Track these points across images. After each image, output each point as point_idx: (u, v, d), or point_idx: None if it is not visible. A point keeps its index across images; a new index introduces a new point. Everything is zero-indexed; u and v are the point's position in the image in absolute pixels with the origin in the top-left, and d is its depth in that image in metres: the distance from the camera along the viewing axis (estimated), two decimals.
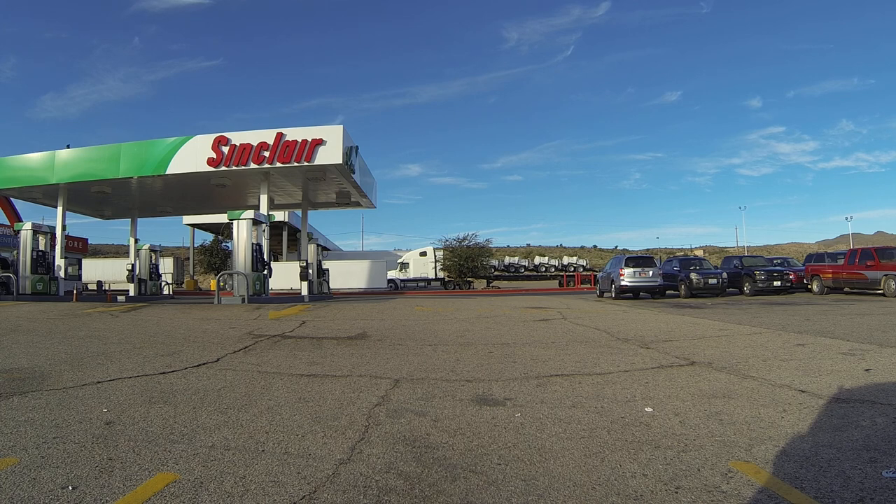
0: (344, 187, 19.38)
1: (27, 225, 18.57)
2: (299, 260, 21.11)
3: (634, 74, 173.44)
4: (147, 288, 22.43)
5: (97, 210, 23.25)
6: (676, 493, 2.21)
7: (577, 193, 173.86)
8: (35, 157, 18.02)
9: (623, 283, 16.85)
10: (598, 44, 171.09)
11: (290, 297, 18.43)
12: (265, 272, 16.27)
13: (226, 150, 16.10)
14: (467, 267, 36.00)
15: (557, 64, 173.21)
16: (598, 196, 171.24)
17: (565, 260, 45.79)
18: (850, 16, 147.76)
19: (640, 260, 17.98)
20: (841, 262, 16.75)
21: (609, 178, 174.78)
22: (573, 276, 39.95)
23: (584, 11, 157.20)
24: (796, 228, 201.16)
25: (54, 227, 19.33)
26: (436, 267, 36.40)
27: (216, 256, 36.50)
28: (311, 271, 19.75)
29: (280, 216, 30.37)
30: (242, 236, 15.70)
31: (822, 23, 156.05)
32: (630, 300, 16.29)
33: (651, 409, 3.50)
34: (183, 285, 35.37)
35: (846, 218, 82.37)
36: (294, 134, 15.94)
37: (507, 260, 44.40)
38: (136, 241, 23.39)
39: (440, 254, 36.87)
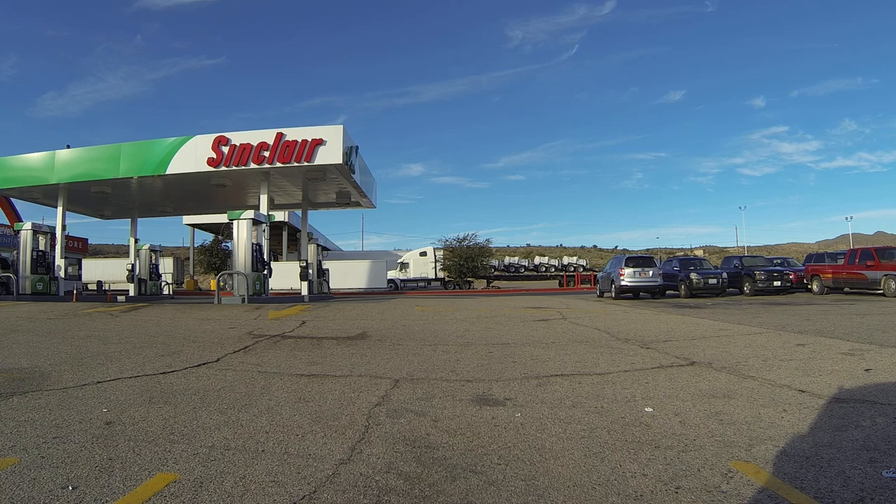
0: (344, 187, 19.38)
1: (27, 225, 18.57)
2: (299, 260, 21.11)
3: (639, 73, 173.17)
4: (147, 288, 22.42)
5: (97, 210, 23.24)
6: (676, 493, 2.21)
7: (579, 193, 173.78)
8: (35, 157, 18.02)
9: (623, 283, 16.85)
10: (602, 43, 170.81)
11: (290, 297, 18.43)
12: (265, 272, 16.27)
13: (226, 150, 16.10)
14: (467, 267, 35.98)
15: (562, 63, 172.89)
16: (599, 196, 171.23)
17: (565, 260, 45.73)
18: (855, 15, 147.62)
19: (640, 260, 17.97)
20: (841, 262, 16.75)
21: (611, 177, 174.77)
22: (573, 276, 39.95)
23: (589, 10, 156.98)
24: (797, 228, 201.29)
25: (54, 227, 19.32)
26: (436, 267, 36.39)
27: (216, 256, 36.49)
28: (311, 271, 19.75)
29: (280, 216, 30.39)
30: (242, 236, 15.70)
31: (827, 22, 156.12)
32: (630, 300, 16.29)
33: (651, 409, 3.50)
34: (183, 285, 35.37)
35: (846, 218, 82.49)
36: (294, 134, 15.94)
37: (507, 260, 44.34)
38: (136, 241, 23.39)
39: (440, 254, 36.87)
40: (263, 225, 16.37)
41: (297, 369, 5.13)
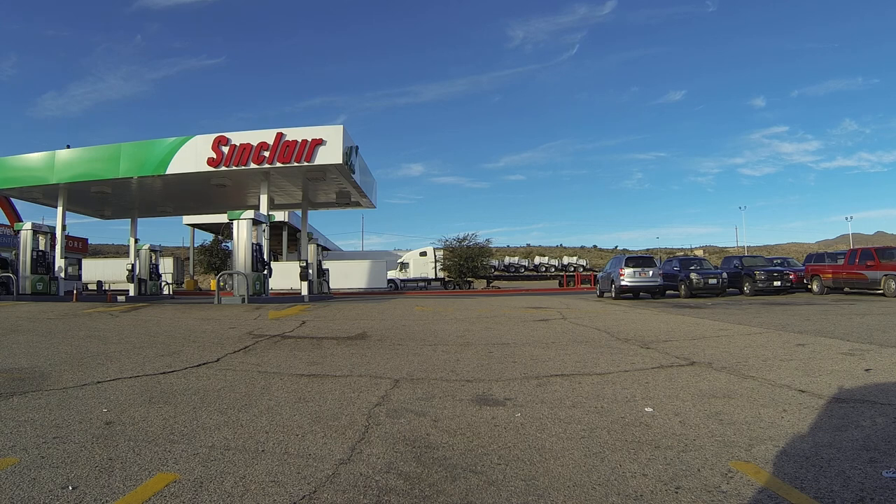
0: (344, 187, 19.39)
1: (27, 225, 18.57)
2: (299, 260, 21.11)
3: (639, 73, 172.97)
4: (147, 288, 22.42)
5: (97, 210, 23.25)
6: (676, 493, 2.21)
7: (579, 193, 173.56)
8: (35, 157, 18.03)
9: (623, 283, 16.85)
10: (603, 42, 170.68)
11: (290, 297, 18.43)
12: (265, 272, 16.27)
13: (226, 150, 16.10)
14: (467, 267, 35.99)
15: (562, 63, 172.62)
16: (599, 196, 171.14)
17: (565, 260, 45.73)
18: (855, 15, 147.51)
19: (640, 260, 17.98)
20: (841, 262, 16.75)
21: (611, 177, 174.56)
22: (573, 276, 39.95)
23: (590, 10, 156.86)
24: (797, 228, 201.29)
25: (54, 227, 19.33)
26: (436, 267, 36.40)
27: (216, 256, 36.50)
28: (311, 271, 19.75)
29: (280, 216, 30.38)
30: (242, 236, 15.70)
31: (827, 22, 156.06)
32: (630, 300, 16.29)
33: (651, 409, 3.50)
34: (183, 285, 35.37)
35: (846, 218, 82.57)
36: (294, 134, 15.94)
37: (507, 260, 44.35)
38: (136, 241, 23.40)
39: (440, 254, 36.88)
40: (263, 225, 16.37)
41: (298, 369, 5.13)
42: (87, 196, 19.36)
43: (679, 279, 17.92)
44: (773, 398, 3.72)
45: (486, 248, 38.60)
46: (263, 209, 17.09)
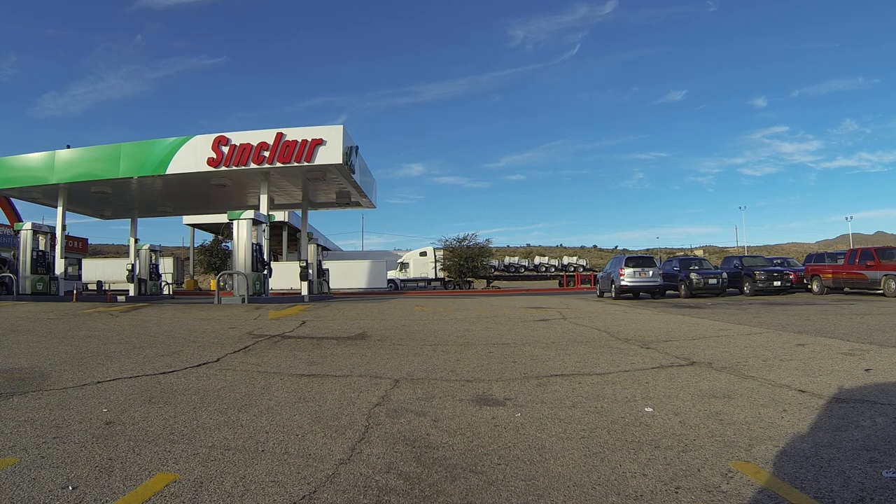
0: (344, 187, 19.39)
1: (27, 225, 18.58)
2: (299, 260, 21.12)
3: (640, 73, 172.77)
4: (147, 288, 22.42)
5: (97, 210, 23.26)
6: (676, 493, 2.21)
7: (579, 193, 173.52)
8: (35, 157, 18.04)
9: (623, 283, 16.85)
10: (604, 42, 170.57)
11: (290, 297, 18.44)
12: (265, 272, 16.27)
13: (226, 150, 16.10)
14: (467, 267, 35.99)
15: (563, 63, 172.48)
16: (599, 196, 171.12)
17: (565, 260, 45.74)
18: (855, 15, 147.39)
19: (640, 260, 17.98)
20: (841, 262, 16.75)
21: (612, 177, 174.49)
22: (573, 276, 39.95)
23: (590, 10, 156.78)
24: (797, 228, 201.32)
25: (54, 227, 19.34)
26: (436, 267, 36.40)
27: (216, 256, 36.49)
28: (311, 271, 19.76)
29: (280, 216, 30.39)
30: (242, 236, 15.71)
31: (827, 22, 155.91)
32: (630, 300, 16.29)
33: (651, 409, 3.50)
34: (183, 285, 35.37)
35: (846, 218, 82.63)
36: (294, 134, 15.95)
37: (507, 260, 44.36)
38: (136, 241, 23.41)
39: (440, 254, 36.88)
40: (263, 225, 16.37)
41: (297, 369, 5.13)
42: (87, 196, 19.36)
43: (679, 279, 17.92)
44: (773, 398, 3.72)
45: (486, 248, 38.61)
46: (263, 209, 17.09)
